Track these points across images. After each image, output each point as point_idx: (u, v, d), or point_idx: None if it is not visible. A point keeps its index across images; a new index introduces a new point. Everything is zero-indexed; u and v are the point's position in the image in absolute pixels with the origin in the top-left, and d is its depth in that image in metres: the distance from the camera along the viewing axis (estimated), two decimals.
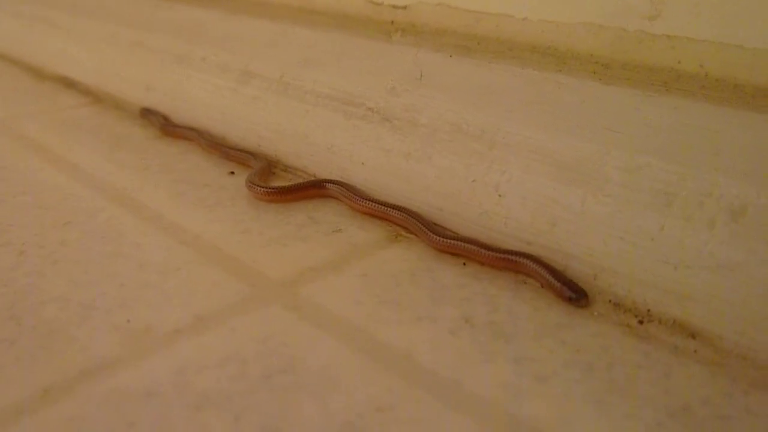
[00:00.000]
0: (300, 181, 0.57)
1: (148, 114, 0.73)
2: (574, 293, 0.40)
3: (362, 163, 0.54)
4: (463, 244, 0.45)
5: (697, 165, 0.40)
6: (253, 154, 0.61)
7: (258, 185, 0.55)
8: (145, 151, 0.66)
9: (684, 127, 0.42)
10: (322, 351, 0.37)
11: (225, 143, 0.64)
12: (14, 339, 0.38)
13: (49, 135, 0.71)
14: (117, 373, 0.35)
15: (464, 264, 0.45)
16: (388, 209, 0.50)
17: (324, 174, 0.57)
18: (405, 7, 0.61)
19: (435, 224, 0.48)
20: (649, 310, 0.40)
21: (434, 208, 0.49)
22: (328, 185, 0.54)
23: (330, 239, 0.48)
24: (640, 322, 0.39)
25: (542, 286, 0.42)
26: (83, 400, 0.33)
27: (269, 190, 0.54)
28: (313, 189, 0.55)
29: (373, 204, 0.51)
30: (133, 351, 0.37)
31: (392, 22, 0.62)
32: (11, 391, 0.34)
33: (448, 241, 0.46)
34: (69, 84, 0.89)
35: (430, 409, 0.33)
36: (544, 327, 0.39)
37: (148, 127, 0.73)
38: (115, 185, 0.58)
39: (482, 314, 0.40)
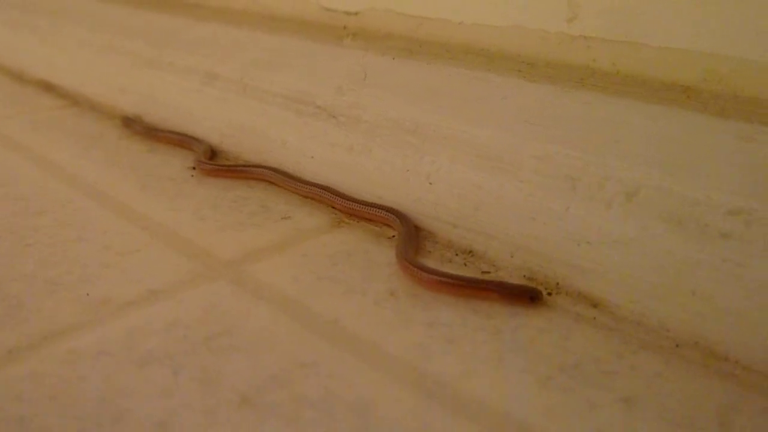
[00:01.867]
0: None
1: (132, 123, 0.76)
2: None
3: (312, 157, 0.58)
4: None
5: (600, 152, 0.44)
6: (197, 139, 0.68)
7: (204, 162, 0.63)
8: (117, 150, 0.70)
9: (591, 119, 0.46)
10: (259, 319, 0.41)
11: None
12: None
13: (28, 135, 0.75)
14: (74, 338, 0.39)
15: None
16: (307, 186, 0.57)
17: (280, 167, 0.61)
18: (356, 13, 0.66)
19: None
20: (558, 283, 0.44)
21: (374, 196, 0.53)
22: (261, 169, 0.61)
23: (278, 225, 0.53)
24: (549, 294, 0.43)
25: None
26: (43, 359, 0.37)
27: (216, 167, 0.62)
28: (246, 171, 0.62)
29: (298, 183, 0.58)
30: (90, 319, 0.41)
31: (345, 27, 0.66)
32: None
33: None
34: (48, 87, 0.93)
35: (348, 366, 0.37)
36: (462, 298, 0.43)
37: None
38: (86, 179, 0.62)
39: (407, 287, 0.44)
